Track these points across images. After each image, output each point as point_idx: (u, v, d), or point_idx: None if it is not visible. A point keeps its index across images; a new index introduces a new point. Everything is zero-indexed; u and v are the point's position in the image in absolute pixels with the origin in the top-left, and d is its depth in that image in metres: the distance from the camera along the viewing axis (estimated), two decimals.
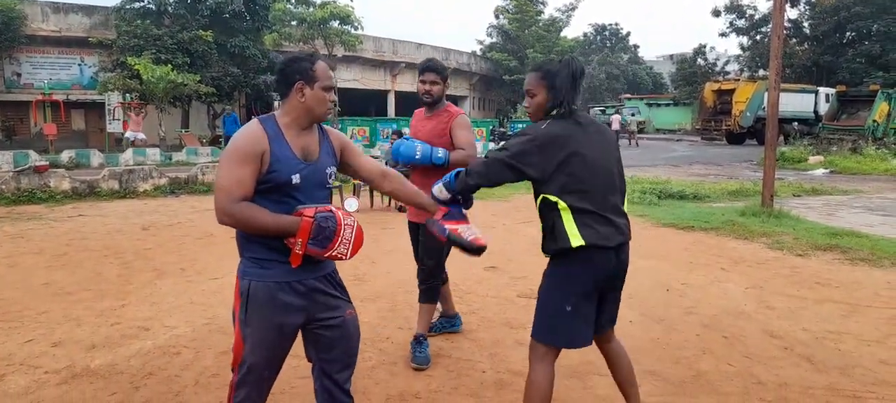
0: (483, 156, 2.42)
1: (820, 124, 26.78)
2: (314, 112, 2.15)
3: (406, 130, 19.86)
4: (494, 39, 44.08)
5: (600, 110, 43.79)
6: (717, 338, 3.91)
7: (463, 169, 2.44)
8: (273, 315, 2.09)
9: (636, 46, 61.66)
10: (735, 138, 29.79)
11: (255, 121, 2.12)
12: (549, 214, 2.32)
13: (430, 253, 3.54)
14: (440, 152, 3.30)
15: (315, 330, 2.20)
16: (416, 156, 3.28)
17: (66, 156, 17.24)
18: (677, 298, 4.79)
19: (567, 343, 2.38)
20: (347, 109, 29.12)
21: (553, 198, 2.27)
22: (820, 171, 16.37)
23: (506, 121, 35.65)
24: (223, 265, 5.77)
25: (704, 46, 44.77)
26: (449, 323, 3.99)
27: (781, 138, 25.08)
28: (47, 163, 12.13)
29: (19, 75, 24.80)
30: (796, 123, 29.38)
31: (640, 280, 5.32)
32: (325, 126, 2.31)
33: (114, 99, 22.42)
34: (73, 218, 8.54)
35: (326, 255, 2.04)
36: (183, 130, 23.34)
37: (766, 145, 8.75)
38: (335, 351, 2.24)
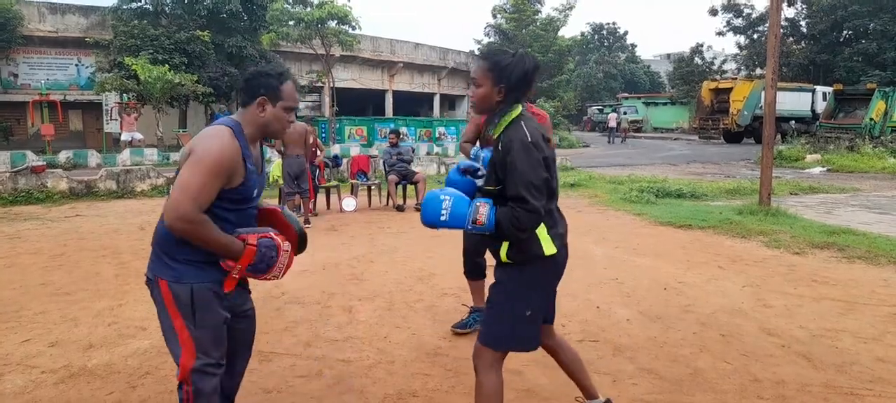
0: (506, 213, 2.14)
1: (817, 123, 26.86)
2: (270, 129, 2.15)
3: (404, 130, 19.66)
4: (492, 39, 44.03)
5: (598, 109, 43.87)
6: (714, 336, 3.91)
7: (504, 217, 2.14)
8: (218, 312, 2.13)
9: (634, 45, 61.72)
10: (732, 137, 29.84)
11: (227, 132, 2.04)
12: None
13: (471, 245, 3.84)
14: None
15: (232, 323, 2.25)
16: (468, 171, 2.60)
17: (63, 156, 17.21)
18: (674, 296, 4.79)
19: (526, 346, 2.31)
20: (345, 109, 29.11)
21: None
22: (817, 170, 16.40)
23: None
24: None
25: (702, 45, 44.85)
26: (480, 317, 3.97)
27: (779, 137, 25.15)
28: (45, 163, 12.10)
29: (16, 76, 24.74)
30: (793, 122, 29.47)
31: (637, 278, 5.33)
32: None
33: (111, 99, 22.39)
34: (71, 219, 8.53)
35: (260, 279, 2.09)
36: (181, 130, 23.30)
37: (764, 144, 8.77)
38: (241, 344, 2.34)
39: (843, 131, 23.50)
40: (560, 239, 2.27)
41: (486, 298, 3.16)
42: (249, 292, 2.38)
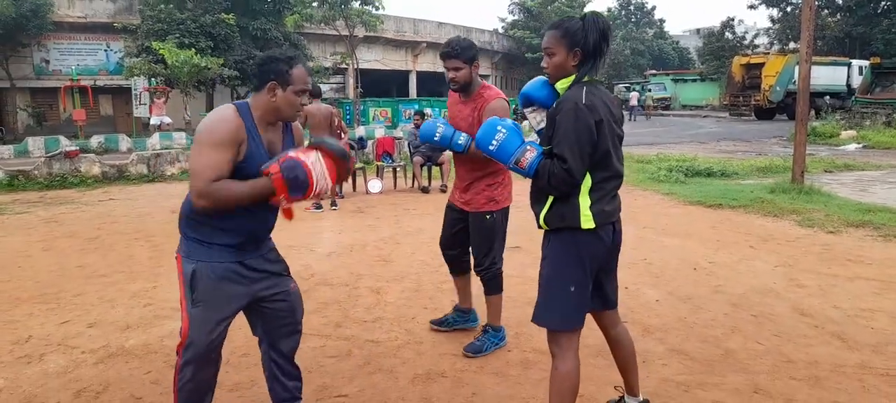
0: (546, 166, 2.13)
1: (853, 98, 26.04)
2: (282, 113, 2.17)
3: (428, 111, 19.58)
4: (516, 17, 43.60)
5: (625, 87, 43.18)
6: (745, 317, 3.86)
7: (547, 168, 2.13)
8: (218, 296, 2.16)
9: (662, 21, 60.39)
10: (764, 114, 29.13)
11: (230, 108, 2.12)
12: None
13: (480, 242, 3.36)
14: (461, 138, 3.10)
15: (262, 306, 2.33)
16: (436, 138, 3.11)
17: (95, 141, 17.58)
18: (705, 277, 4.73)
19: (573, 324, 2.25)
20: (369, 90, 29.17)
21: None
22: (852, 146, 15.94)
23: None
24: None
25: (732, 19, 43.67)
26: (462, 318, 3.72)
27: (812, 113, 24.45)
28: (78, 148, 12.39)
29: (48, 62, 25.29)
30: (828, 97, 28.63)
31: (666, 258, 5.27)
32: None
33: (140, 84, 22.76)
34: (104, 202, 8.74)
35: (311, 196, 2.07)
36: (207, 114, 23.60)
37: (797, 120, 8.54)
38: (281, 323, 2.40)
39: (880, 106, 22.73)
40: (604, 216, 2.19)
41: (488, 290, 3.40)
42: (282, 275, 2.39)
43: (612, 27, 2.22)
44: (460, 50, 3.16)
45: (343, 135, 8.24)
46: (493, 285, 3.42)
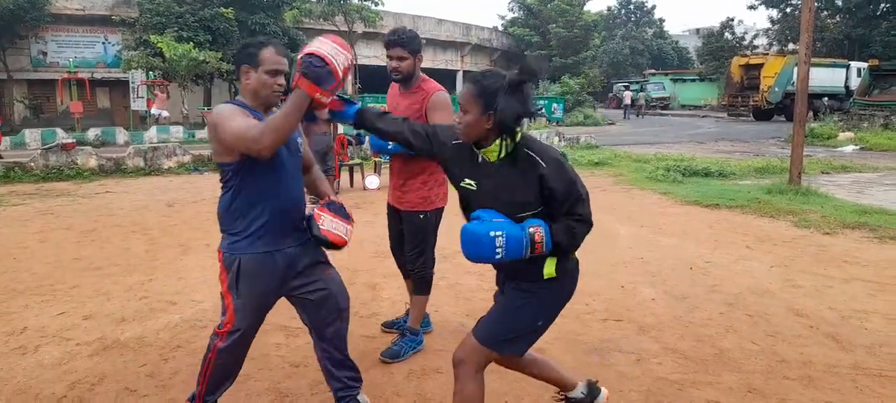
0: (559, 231, 2.01)
1: (851, 99, 26.06)
2: (259, 95, 2.25)
3: None
4: (516, 14, 43.51)
5: (624, 86, 43.19)
6: (740, 317, 3.87)
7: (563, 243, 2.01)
8: (259, 284, 2.29)
9: (662, 20, 60.31)
10: (762, 114, 29.16)
11: (230, 104, 2.24)
12: None
13: (412, 242, 3.25)
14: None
15: (300, 296, 2.42)
16: (389, 146, 2.97)
17: (92, 133, 17.55)
18: (701, 276, 4.74)
19: (519, 352, 2.22)
20: (368, 86, 29.12)
21: None
22: (850, 148, 15.97)
23: None
24: None
25: (732, 20, 43.66)
26: (414, 341, 3.43)
27: (811, 114, 24.47)
28: (74, 140, 12.36)
29: (45, 54, 25.20)
30: (826, 99, 28.66)
31: (663, 258, 5.28)
32: None
33: (137, 77, 22.70)
34: (101, 195, 8.72)
35: (340, 76, 2.07)
36: (205, 108, 23.55)
37: (795, 121, 8.55)
38: (323, 311, 2.46)
39: (877, 108, 22.77)
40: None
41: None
42: (322, 263, 2.48)
43: (537, 74, 2.06)
44: (406, 39, 3.07)
45: (336, 129, 8.22)
46: (422, 285, 3.34)
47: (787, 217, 6.82)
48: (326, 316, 2.48)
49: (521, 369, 2.42)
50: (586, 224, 2.05)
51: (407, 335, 3.35)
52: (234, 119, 2.12)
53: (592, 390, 2.51)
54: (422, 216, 3.21)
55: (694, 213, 7.31)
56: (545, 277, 2.08)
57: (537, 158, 1.97)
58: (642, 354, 3.32)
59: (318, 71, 2.03)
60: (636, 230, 6.37)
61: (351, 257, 5.35)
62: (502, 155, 1.99)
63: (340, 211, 2.42)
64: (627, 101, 35.19)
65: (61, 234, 6.23)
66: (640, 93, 38.42)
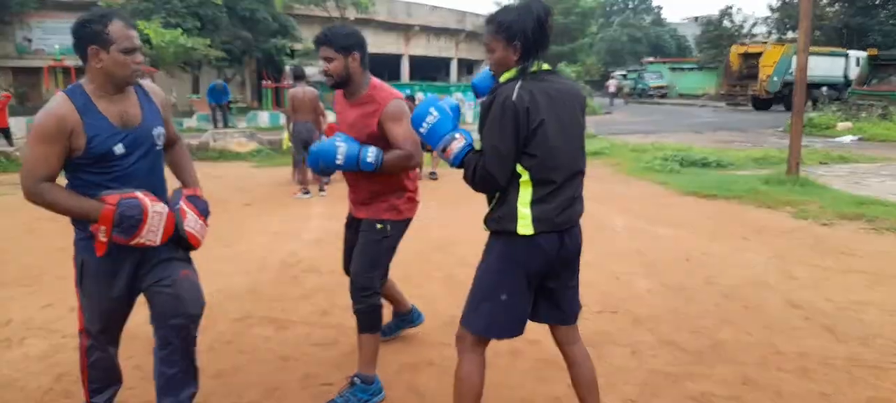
0: (472, 161, 2.03)
1: (849, 89, 25.99)
2: (115, 77, 2.01)
3: (419, 95, 19.14)
4: (512, 1, 43.25)
5: (622, 74, 43.05)
6: (737, 308, 3.84)
7: (473, 158, 2.03)
8: (102, 284, 2.17)
9: (660, 7, 60.18)
10: (761, 104, 29.08)
11: (61, 95, 2.02)
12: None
13: (361, 254, 2.74)
14: (370, 155, 2.49)
15: (149, 292, 2.22)
16: (338, 161, 2.49)
17: None
18: (697, 267, 4.70)
19: (502, 334, 2.13)
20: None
21: (518, 169, 1.98)
22: (848, 138, 15.93)
23: None
24: (235, 232, 5.79)
25: (731, 8, 43.67)
26: (406, 321, 3.37)
27: (809, 104, 24.42)
28: None
29: (30, 41, 24.87)
30: (825, 88, 28.55)
31: (659, 249, 5.24)
32: (147, 82, 2.24)
33: None
34: None
35: (132, 243, 1.99)
36: (194, 96, 23.37)
37: (794, 111, 8.49)
38: (160, 313, 2.22)
39: (876, 98, 22.69)
40: (548, 223, 1.99)
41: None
42: (178, 260, 2.25)
43: (551, 12, 2.06)
44: (331, 36, 2.56)
45: (323, 119, 8.12)
46: (366, 321, 2.73)
47: (784, 208, 6.78)
48: (160, 322, 2.22)
49: (568, 366, 2.30)
50: (486, 174, 1.98)
51: (356, 383, 2.71)
52: (35, 144, 1.96)
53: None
54: (380, 225, 2.72)
55: (691, 204, 7.27)
56: (484, 224, 2.13)
57: (500, 89, 2.03)
58: (638, 346, 3.28)
59: (128, 226, 1.95)
60: (633, 221, 6.33)
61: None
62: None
63: (204, 210, 2.30)
64: (612, 89, 35.55)
65: (48, 225, 6.14)
66: (625, 81, 38.87)
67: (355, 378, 2.72)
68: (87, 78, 2.04)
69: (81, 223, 2.10)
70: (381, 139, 2.59)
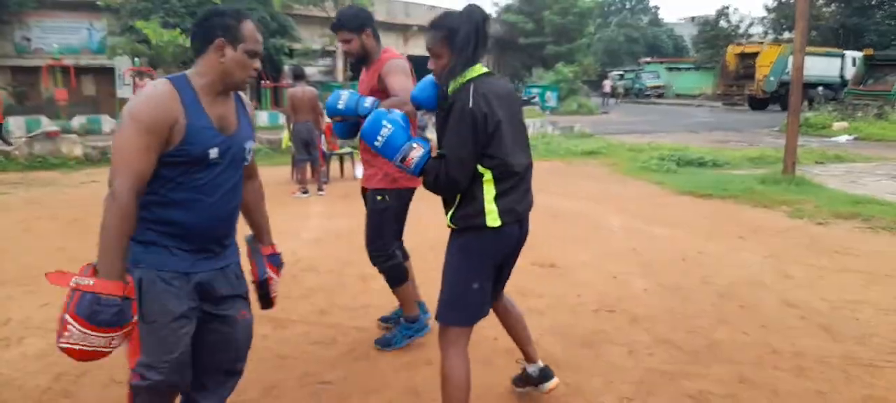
0: (433, 168, 2.12)
1: (846, 89, 26.08)
2: (233, 77, 1.85)
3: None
4: (510, 1, 43.28)
5: (619, 75, 43.12)
6: (733, 308, 3.86)
7: (434, 160, 2.12)
8: (167, 306, 1.82)
9: (657, 8, 60.35)
10: (757, 104, 29.16)
11: (165, 81, 1.79)
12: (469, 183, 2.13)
13: (369, 224, 3.08)
14: (367, 101, 2.71)
15: (204, 320, 1.95)
16: (339, 106, 2.72)
17: (77, 122, 17.34)
18: (693, 267, 4.72)
19: (473, 320, 2.24)
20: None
21: (480, 169, 2.10)
22: (844, 138, 16.00)
23: (521, 84, 35.29)
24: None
25: (727, 8, 43.88)
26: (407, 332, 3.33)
27: (805, 103, 24.50)
28: (59, 128, 12.22)
29: (29, 40, 24.79)
30: (821, 88, 28.64)
31: (656, 248, 5.26)
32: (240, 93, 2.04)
33: (123, 64, 22.41)
34: (87, 184, 8.62)
35: (66, 318, 1.65)
36: None
37: (790, 111, 8.53)
38: (217, 357, 2.01)
39: (872, 98, 22.78)
40: (512, 214, 2.16)
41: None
42: (239, 297, 2.06)
43: (488, 18, 2.16)
44: (346, 20, 2.90)
45: (322, 119, 8.12)
46: (393, 277, 3.11)
47: (780, 207, 6.81)
48: (219, 365, 2.04)
49: (499, 317, 2.57)
50: (450, 180, 2.08)
51: (402, 323, 3.26)
52: (139, 133, 1.71)
53: (545, 374, 2.66)
54: (380, 197, 3.00)
55: (687, 203, 7.30)
56: (448, 224, 2.23)
57: (453, 99, 2.12)
58: (634, 345, 3.30)
59: (109, 313, 1.64)
60: (629, 220, 6.35)
61: (341, 248, 5.31)
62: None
63: (280, 267, 2.25)
64: (607, 90, 35.79)
65: (46, 224, 6.16)
66: (619, 82, 39.20)
67: (402, 319, 3.23)
68: (198, 71, 1.84)
69: (145, 233, 1.81)
70: (383, 93, 2.84)
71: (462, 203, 2.15)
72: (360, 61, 2.98)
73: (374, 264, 3.10)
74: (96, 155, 10.70)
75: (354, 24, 2.88)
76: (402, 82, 2.83)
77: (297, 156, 8.19)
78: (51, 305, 3.85)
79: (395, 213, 3.03)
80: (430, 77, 2.29)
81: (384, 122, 2.13)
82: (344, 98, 2.71)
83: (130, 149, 1.70)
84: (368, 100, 2.69)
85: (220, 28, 1.81)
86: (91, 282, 1.64)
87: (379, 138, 2.12)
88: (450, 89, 2.16)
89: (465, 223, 2.16)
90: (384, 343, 3.22)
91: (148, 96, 1.75)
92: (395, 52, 3.02)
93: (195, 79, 1.83)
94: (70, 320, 1.63)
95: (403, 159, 2.10)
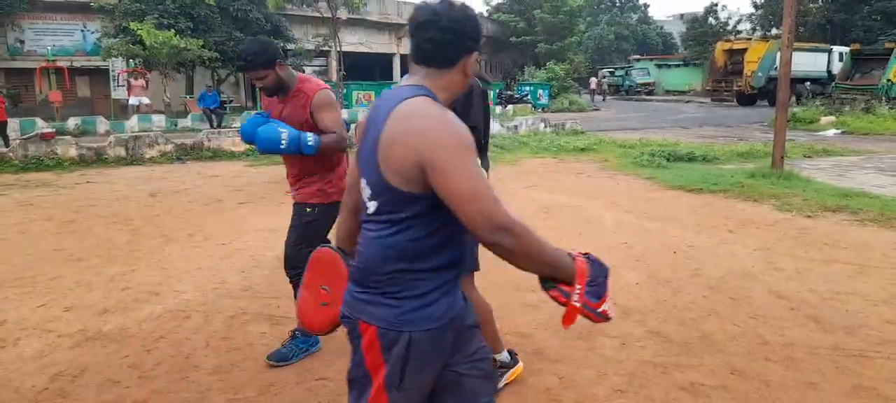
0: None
1: (833, 84, 26.32)
2: (459, 90, 1.59)
3: None
4: (502, 0, 43.35)
5: (609, 71, 43.30)
6: (723, 300, 3.91)
7: None
8: (432, 370, 1.57)
9: (646, 5, 60.45)
10: (746, 99, 29.36)
11: (429, 101, 1.47)
12: None
13: (293, 235, 3.06)
14: (310, 139, 2.76)
15: (458, 372, 1.64)
16: (282, 146, 2.71)
17: (72, 123, 17.24)
18: (684, 260, 4.78)
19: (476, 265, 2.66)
20: (352, 73, 28.88)
21: None
22: (831, 132, 16.15)
23: (513, 83, 35.36)
24: (230, 231, 5.80)
25: (716, 5, 43.88)
26: (307, 343, 3.19)
27: (793, 99, 24.71)
28: (54, 130, 12.15)
29: (23, 42, 24.66)
30: (809, 83, 28.92)
31: (647, 242, 5.31)
32: None
33: (117, 65, 22.31)
34: (81, 185, 8.59)
35: (599, 311, 1.51)
36: (187, 96, 23.22)
37: (778, 106, 8.62)
38: (475, 399, 1.68)
39: (859, 92, 23.01)
40: None
41: None
42: (478, 327, 1.75)
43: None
44: (256, 59, 2.81)
45: None
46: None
47: (769, 200, 6.89)
48: None
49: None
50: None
51: (297, 336, 3.11)
52: (473, 164, 1.40)
53: (513, 358, 2.87)
54: (309, 209, 3.01)
55: (678, 198, 7.36)
56: None
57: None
58: (626, 338, 3.34)
59: (602, 284, 1.52)
60: (621, 215, 6.40)
61: None
62: None
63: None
64: (593, 86, 36.25)
65: (41, 225, 6.13)
66: (605, 79, 40.07)
67: (297, 332, 3.12)
68: (442, 86, 1.53)
69: (400, 286, 1.50)
70: (314, 127, 2.89)
71: None
72: (275, 92, 2.93)
73: (291, 272, 3.05)
74: (91, 156, 10.64)
75: (265, 59, 2.82)
76: (335, 118, 2.91)
77: None
78: (46, 306, 3.85)
79: (321, 228, 3.01)
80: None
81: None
82: (285, 136, 2.73)
83: (485, 180, 1.43)
84: (311, 139, 2.78)
85: (472, 38, 1.54)
86: (578, 288, 1.49)
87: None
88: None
89: None
90: (280, 358, 3.06)
91: (457, 122, 1.44)
92: (319, 82, 3.02)
93: (441, 95, 1.54)
94: (601, 307, 1.52)
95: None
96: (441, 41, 1.49)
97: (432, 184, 1.39)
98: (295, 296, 2.89)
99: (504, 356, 2.82)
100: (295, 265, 3.00)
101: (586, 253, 1.54)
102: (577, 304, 1.48)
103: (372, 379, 1.54)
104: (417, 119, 1.42)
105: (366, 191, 1.53)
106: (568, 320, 1.51)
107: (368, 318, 1.52)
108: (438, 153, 1.37)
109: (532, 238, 1.41)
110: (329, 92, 2.98)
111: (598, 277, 1.50)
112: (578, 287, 1.47)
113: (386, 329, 1.50)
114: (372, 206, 1.51)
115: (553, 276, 1.48)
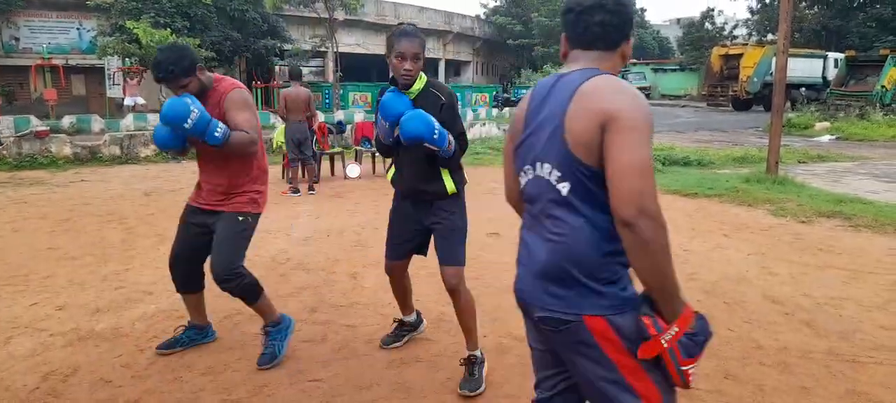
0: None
1: (828, 90, 26.45)
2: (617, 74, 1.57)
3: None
4: (499, 2, 43.42)
5: None
6: (717, 304, 3.91)
7: None
8: None
9: (643, 10, 60.52)
10: (741, 104, 29.47)
11: (617, 78, 1.50)
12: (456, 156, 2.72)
13: (228, 249, 2.93)
14: (219, 130, 2.71)
15: None
16: (187, 125, 2.64)
17: (66, 121, 17.15)
18: (679, 264, 4.72)
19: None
20: (349, 74, 28.86)
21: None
22: (826, 138, 16.23)
23: (510, 86, 35.41)
24: None
25: (712, 10, 44.11)
26: (200, 335, 3.27)
27: (788, 104, 24.78)
28: (48, 128, 12.09)
29: (17, 39, 24.53)
30: (804, 89, 29.02)
31: None
32: None
33: (113, 63, 22.20)
34: (76, 184, 8.55)
35: (683, 369, 1.43)
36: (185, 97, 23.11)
37: (773, 111, 8.65)
38: None
39: (853, 98, 23.14)
40: None
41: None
42: None
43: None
44: (176, 67, 2.75)
45: (314, 119, 8.11)
46: (250, 293, 3.01)
47: (764, 205, 6.91)
48: None
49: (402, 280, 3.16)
50: (465, 145, 2.77)
51: (270, 332, 3.10)
52: (650, 146, 1.39)
53: (419, 319, 3.35)
54: (242, 218, 2.97)
55: (673, 202, 7.37)
56: (451, 192, 2.80)
57: (447, 92, 2.77)
58: None
59: (701, 341, 1.45)
60: None
61: (331, 246, 5.32)
62: (421, 88, 2.73)
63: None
64: None
65: (35, 223, 6.10)
66: None
67: (268, 328, 3.11)
68: (610, 68, 1.54)
69: (610, 274, 1.46)
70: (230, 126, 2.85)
71: (453, 171, 2.81)
72: (199, 96, 2.84)
73: (227, 286, 2.92)
74: (86, 154, 10.61)
75: (186, 66, 2.76)
76: (248, 119, 2.86)
77: (289, 156, 8.19)
78: (39, 304, 3.83)
79: (250, 236, 3.04)
80: (393, 92, 2.67)
81: (433, 121, 2.55)
82: (194, 117, 2.63)
83: (652, 164, 1.39)
84: (220, 129, 2.71)
85: (630, 22, 1.58)
86: (675, 331, 1.40)
87: (436, 131, 2.54)
88: (414, 86, 2.69)
89: (462, 184, 2.86)
90: (269, 359, 3.03)
91: (641, 96, 1.44)
92: (234, 81, 2.97)
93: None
94: (688, 367, 1.44)
95: (449, 144, 2.66)
96: (610, 23, 1.50)
97: (604, 144, 1.37)
98: (247, 303, 3.06)
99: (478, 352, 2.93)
100: (227, 279, 2.88)
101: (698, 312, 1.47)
102: (666, 345, 1.39)
103: (623, 374, 1.45)
104: (609, 90, 1.41)
105: (554, 174, 1.47)
106: (645, 352, 1.41)
107: (592, 310, 1.44)
108: (624, 114, 1.36)
109: (668, 241, 1.36)
110: (245, 91, 2.95)
111: (698, 335, 1.43)
112: (676, 329, 1.39)
113: (613, 314, 1.44)
114: (564, 188, 1.46)
115: (659, 299, 1.40)
